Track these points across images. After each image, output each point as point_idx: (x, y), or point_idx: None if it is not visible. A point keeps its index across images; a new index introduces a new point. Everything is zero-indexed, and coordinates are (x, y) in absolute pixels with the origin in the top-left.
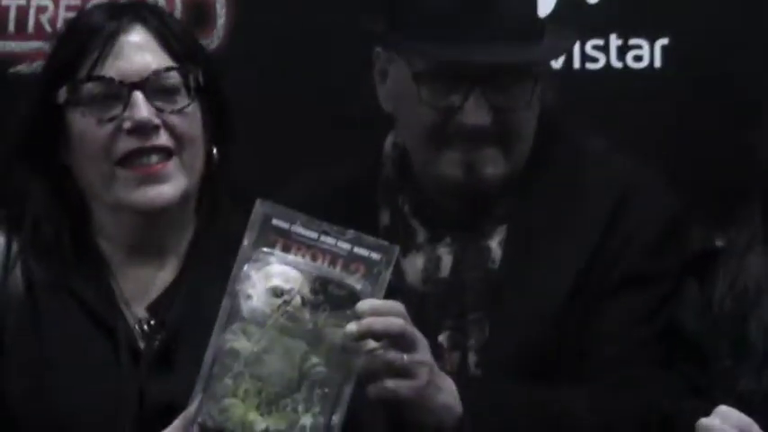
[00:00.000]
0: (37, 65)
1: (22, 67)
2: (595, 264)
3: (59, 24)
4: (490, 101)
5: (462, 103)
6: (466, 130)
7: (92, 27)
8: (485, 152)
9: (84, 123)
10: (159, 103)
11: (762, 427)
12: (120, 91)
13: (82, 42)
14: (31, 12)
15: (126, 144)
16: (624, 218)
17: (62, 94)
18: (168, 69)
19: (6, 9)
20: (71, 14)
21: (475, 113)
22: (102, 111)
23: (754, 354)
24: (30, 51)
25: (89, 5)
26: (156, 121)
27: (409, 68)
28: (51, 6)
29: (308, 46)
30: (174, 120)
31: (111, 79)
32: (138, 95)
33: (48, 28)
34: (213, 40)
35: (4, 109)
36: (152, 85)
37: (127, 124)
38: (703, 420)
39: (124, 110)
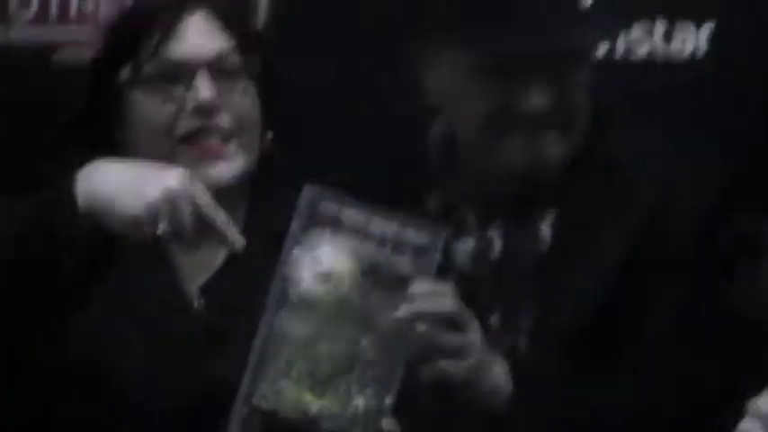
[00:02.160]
0: (79, 52)
1: (65, 54)
2: (645, 246)
3: (102, 11)
4: (551, 85)
5: (525, 89)
6: (528, 115)
7: (155, 7)
8: (546, 136)
9: (145, 102)
10: (221, 85)
11: None
12: (184, 71)
13: (145, 22)
14: None
15: (188, 123)
16: (674, 199)
17: (124, 73)
18: (230, 52)
19: None
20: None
21: (537, 98)
22: (165, 90)
23: None
24: (72, 38)
25: None
26: (219, 101)
27: (467, 60)
28: None
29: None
30: (236, 102)
31: (176, 60)
32: (203, 76)
33: (90, 14)
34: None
35: (47, 95)
36: (215, 67)
37: (190, 104)
38: (755, 401)
39: (188, 90)
